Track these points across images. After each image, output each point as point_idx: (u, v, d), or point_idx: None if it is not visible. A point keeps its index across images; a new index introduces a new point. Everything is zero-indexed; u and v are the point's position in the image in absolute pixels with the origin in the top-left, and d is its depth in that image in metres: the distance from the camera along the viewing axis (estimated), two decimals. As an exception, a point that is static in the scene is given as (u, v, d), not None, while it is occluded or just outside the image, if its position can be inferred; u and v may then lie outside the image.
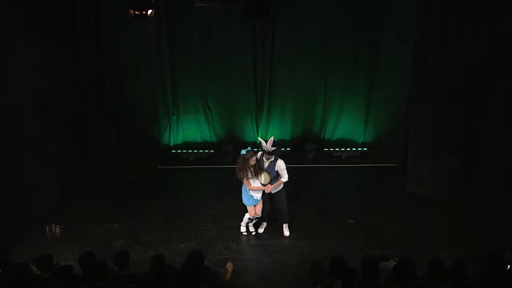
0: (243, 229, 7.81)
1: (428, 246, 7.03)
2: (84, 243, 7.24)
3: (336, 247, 7.20)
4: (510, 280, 4.82)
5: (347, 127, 11.34)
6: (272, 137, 7.34)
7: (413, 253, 5.50)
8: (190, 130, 11.45)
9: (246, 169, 7.21)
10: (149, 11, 9.03)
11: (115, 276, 4.93)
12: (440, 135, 8.76)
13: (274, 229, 7.80)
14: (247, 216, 7.67)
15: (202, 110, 11.34)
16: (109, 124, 9.49)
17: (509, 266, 5.31)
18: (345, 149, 11.30)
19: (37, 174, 8.06)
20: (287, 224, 7.67)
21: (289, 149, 11.31)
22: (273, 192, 7.45)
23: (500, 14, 7.56)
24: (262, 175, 7.28)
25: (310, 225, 7.91)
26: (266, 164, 7.34)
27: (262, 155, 7.38)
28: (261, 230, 7.80)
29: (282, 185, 7.47)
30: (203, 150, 11.19)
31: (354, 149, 11.32)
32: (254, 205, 7.47)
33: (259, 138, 7.46)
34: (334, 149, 11.29)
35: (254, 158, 7.26)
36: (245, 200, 7.50)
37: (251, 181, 7.29)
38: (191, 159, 11.00)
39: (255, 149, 7.46)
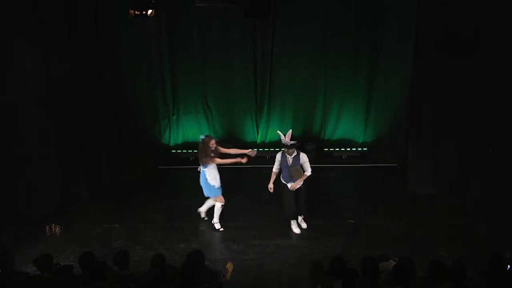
0: (218, 226, 7.87)
1: (428, 246, 7.03)
2: (84, 243, 7.24)
3: (336, 247, 7.20)
4: (510, 280, 4.82)
5: (347, 127, 11.35)
6: (290, 131, 7.39)
7: (413, 253, 5.50)
8: (190, 130, 11.45)
9: (208, 153, 7.38)
10: (149, 11, 9.03)
11: (115, 276, 4.93)
12: (440, 135, 8.76)
13: (274, 229, 7.80)
14: (218, 206, 7.75)
15: (202, 110, 11.34)
16: (109, 124, 9.49)
17: (509, 266, 5.31)
18: (345, 149, 11.30)
19: (37, 174, 8.06)
20: (302, 216, 7.77)
21: (283, 149, 11.28)
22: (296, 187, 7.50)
23: (500, 14, 7.56)
24: (293, 170, 7.32)
25: (310, 225, 7.91)
26: (290, 160, 7.40)
27: (283, 152, 7.42)
28: (304, 225, 7.84)
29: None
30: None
31: (354, 149, 11.32)
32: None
33: (278, 132, 7.49)
34: (334, 149, 11.30)
35: (213, 141, 7.48)
36: (211, 193, 7.63)
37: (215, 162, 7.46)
38: (191, 159, 10.99)
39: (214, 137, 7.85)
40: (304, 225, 7.86)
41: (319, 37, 10.76)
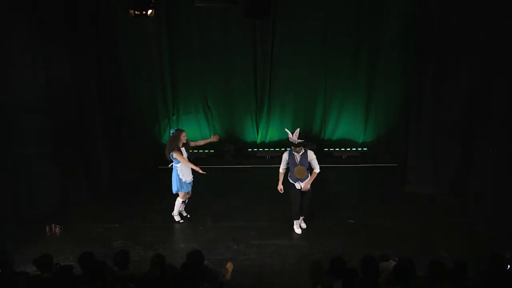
0: (177, 218, 8.04)
1: (428, 246, 7.03)
2: (84, 243, 7.24)
3: (336, 247, 7.20)
4: (510, 280, 4.82)
5: (347, 127, 11.35)
6: (298, 129, 7.38)
7: (413, 253, 5.50)
8: (190, 130, 11.39)
9: (175, 146, 7.52)
10: (149, 11, 9.03)
11: (115, 276, 4.93)
12: (440, 135, 8.76)
13: (274, 229, 7.80)
14: (179, 201, 7.91)
15: (202, 110, 11.34)
16: (109, 124, 9.49)
17: (509, 266, 5.31)
18: (345, 149, 11.31)
19: (37, 174, 8.06)
20: (303, 217, 7.80)
21: (289, 149, 11.28)
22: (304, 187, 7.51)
23: (500, 14, 7.56)
24: (296, 170, 7.35)
25: (310, 225, 7.91)
26: (298, 158, 7.41)
27: (291, 150, 7.45)
28: (304, 225, 7.85)
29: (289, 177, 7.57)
30: (203, 150, 11.19)
31: (354, 149, 11.33)
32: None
33: (286, 130, 7.51)
34: (334, 149, 11.30)
35: (184, 134, 7.62)
36: (180, 188, 7.78)
37: (183, 153, 7.63)
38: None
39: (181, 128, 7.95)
40: (304, 225, 7.87)
41: (319, 37, 10.76)
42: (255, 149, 11.50)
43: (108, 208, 8.69)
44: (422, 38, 8.67)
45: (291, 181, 7.58)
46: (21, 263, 5.80)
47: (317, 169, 7.46)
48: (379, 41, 10.67)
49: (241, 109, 11.31)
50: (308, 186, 7.49)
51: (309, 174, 7.49)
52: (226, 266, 6.06)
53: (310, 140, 11.12)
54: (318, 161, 7.50)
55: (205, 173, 7.66)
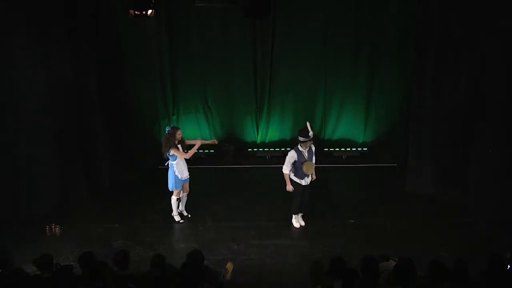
0: (177, 218, 8.06)
1: (428, 246, 7.03)
2: (84, 243, 7.24)
3: (336, 247, 7.20)
4: (510, 280, 4.82)
5: (347, 127, 11.35)
6: (308, 123, 7.46)
7: (413, 253, 5.50)
8: (190, 130, 11.44)
9: (172, 144, 7.57)
10: (149, 11, 9.04)
11: (115, 276, 4.93)
12: (440, 135, 8.76)
13: (274, 229, 7.80)
14: (174, 200, 7.94)
15: (202, 110, 11.34)
16: (109, 124, 9.48)
17: (509, 266, 5.31)
18: (345, 149, 11.32)
19: (37, 174, 8.06)
20: (302, 214, 7.89)
21: (289, 149, 11.27)
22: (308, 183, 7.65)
23: (500, 14, 7.56)
24: (305, 166, 7.40)
25: (310, 225, 7.91)
26: (306, 154, 7.48)
27: (297, 148, 7.48)
28: (302, 222, 7.90)
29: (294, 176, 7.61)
30: (203, 150, 11.19)
31: (354, 149, 11.33)
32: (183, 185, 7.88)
33: (308, 124, 7.46)
34: (334, 149, 11.30)
35: (180, 131, 7.71)
36: (174, 186, 7.81)
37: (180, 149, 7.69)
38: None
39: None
40: (302, 223, 7.88)
41: (319, 37, 10.76)
42: (255, 149, 11.50)
43: (108, 208, 8.69)
44: (422, 38, 8.67)
45: (296, 179, 7.58)
46: (21, 263, 5.80)
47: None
48: (379, 41, 10.66)
49: (241, 109, 11.31)
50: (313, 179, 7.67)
51: None
52: (226, 266, 6.06)
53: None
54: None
55: (216, 142, 8.20)
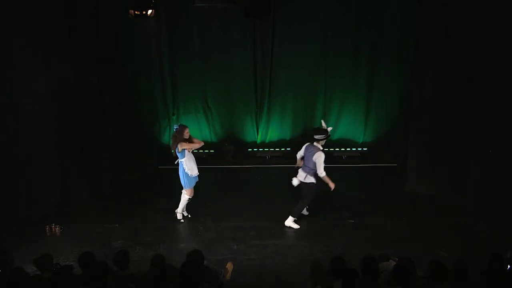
0: (179, 216, 8.10)
1: (428, 246, 7.03)
2: (84, 243, 7.24)
3: (336, 247, 7.20)
4: (510, 280, 4.82)
5: (347, 127, 11.35)
6: (322, 121, 7.84)
7: (413, 253, 5.50)
8: (190, 130, 11.38)
9: (179, 140, 7.63)
10: (149, 11, 9.04)
11: (115, 276, 4.93)
12: (440, 135, 8.76)
13: (274, 229, 7.80)
14: (185, 198, 7.95)
15: (202, 110, 11.34)
16: (109, 124, 9.48)
17: (509, 266, 5.31)
18: (345, 149, 11.31)
19: (37, 174, 8.06)
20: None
21: (289, 149, 11.32)
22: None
23: (500, 14, 7.57)
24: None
25: (310, 225, 7.91)
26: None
27: (309, 145, 7.63)
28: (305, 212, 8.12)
29: (311, 178, 7.61)
30: (203, 150, 11.19)
31: (354, 149, 11.33)
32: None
33: (322, 122, 7.82)
34: (334, 149, 11.30)
35: (187, 130, 7.75)
36: (187, 184, 7.83)
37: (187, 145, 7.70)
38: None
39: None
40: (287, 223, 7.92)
41: (319, 37, 10.76)
42: (255, 149, 11.50)
43: (108, 208, 8.68)
44: (422, 38, 8.67)
45: (314, 181, 7.62)
46: (21, 263, 5.79)
47: None
48: (379, 41, 10.67)
49: (241, 109, 11.31)
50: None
51: None
52: (226, 266, 6.07)
53: (308, 140, 11.14)
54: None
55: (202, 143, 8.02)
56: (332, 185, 7.55)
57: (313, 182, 7.60)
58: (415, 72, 9.04)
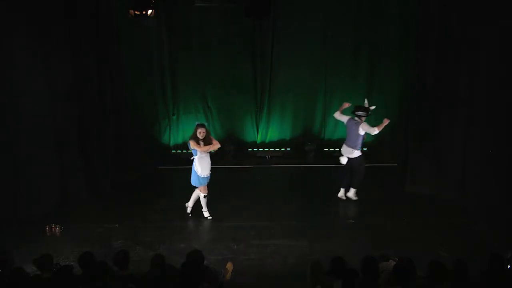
0: (206, 213, 8.13)
1: (428, 246, 7.03)
2: (84, 243, 7.23)
3: (336, 247, 7.20)
4: (510, 280, 4.82)
5: (347, 127, 11.32)
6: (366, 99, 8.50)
7: (413, 253, 5.50)
8: (190, 130, 11.36)
9: (191, 138, 7.79)
10: (149, 11, 9.02)
11: (115, 276, 4.93)
12: (440, 135, 8.76)
13: (274, 229, 7.80)
14: (197, 193, 8.02)
15: (202, 110, 11.33)
16: (109, 124, 9.48)
17: (509, 266, 5.31)
18: (345, 149, 11.28)
19: (37, 174, 8.05)
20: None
21: (289, 149, 11.32)
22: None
23: (500, 14, 7.57)
24: None
25: (310, 225, 7.91)
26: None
27: (351, 118, 8.43)
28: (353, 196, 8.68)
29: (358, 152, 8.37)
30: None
31: (354, 149, 11.29)
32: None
33: (366, 100, 8.52)
34: (334, 149, 11.28)
35: (201, 129, 7.78)
36: (195, 181, 7.91)
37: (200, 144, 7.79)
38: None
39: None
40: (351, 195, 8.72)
41: (319, 37, 10.76)
42: (255, 149, 11.50)
43: (108, 208, 8.68)
44: (422, 39, 8.67)
45: (360, 152, 8.46)
46: (21, 263, 5.79)
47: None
48: (379, 41, 10.67)
49: (241, 109, 11.31)
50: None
51: None
52: (226, 266, 6.07)
53: (309, 140, 11.16)
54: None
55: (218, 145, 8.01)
56: (386, 121, 8.16)
57: (360, 155, 8.38)
58: (415, 72, 9.05)
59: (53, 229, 7.71)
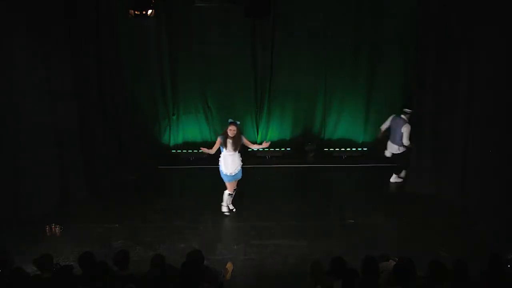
0: (224, 209, 8.24)
1: (428, 246, 7.03)
2: (84, 243, 7.25)
3: (336, 247, 7.20)
4: (510, 280, 4.83)
5: (347, 127, 11.33)
6: None
7: (413, 253, 5.50)
8: (190, 130, 11.44)
9: (221, 135, 7.97)
10: (149, 11, 9.02)
11: (115, 276, 4.93)
12: (440, 135, 8.76)
13: (274, 229, 7.81)
14: (226, 193, 8.14)
15: (202, 110, 11.32)
16: (109, 124, 9.49)
17: (509, 266, 5.31)
18: (345, 149, 11.30)
19: (37, 174, 8.06)
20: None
21: (289, 149, 11.31)
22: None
23: (500, 14, 7.57)
24: None
25: (310, 225, 7.91)
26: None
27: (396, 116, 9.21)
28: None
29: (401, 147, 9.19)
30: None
31: (354, 149, 11.32)
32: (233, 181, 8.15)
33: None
34: (334, 149, 11.29)
35: (230, 127, 7.84)
36: (224, 177, 8.09)
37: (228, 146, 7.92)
38: (191, 159, 10.99)
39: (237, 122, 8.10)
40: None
41: (319, 37, 10.75)
42: (255, 149, 11.47)
43: (108, 208, 8.68)
44: (422, 38, 8.67)
45: (404, 148, 9.17)
46: (21, 263, 5.80)
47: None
48: (379, 41, 10.65)
49: (241, 109, 11.28)
50: None
51: None
52: (226, 266, 6.07)
53: (309, 140, 11.16)
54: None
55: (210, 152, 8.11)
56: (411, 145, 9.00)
57: (404, 150, 9.14)
58: (415, 72, 9.05)
59: (53, 229, 7.72)
